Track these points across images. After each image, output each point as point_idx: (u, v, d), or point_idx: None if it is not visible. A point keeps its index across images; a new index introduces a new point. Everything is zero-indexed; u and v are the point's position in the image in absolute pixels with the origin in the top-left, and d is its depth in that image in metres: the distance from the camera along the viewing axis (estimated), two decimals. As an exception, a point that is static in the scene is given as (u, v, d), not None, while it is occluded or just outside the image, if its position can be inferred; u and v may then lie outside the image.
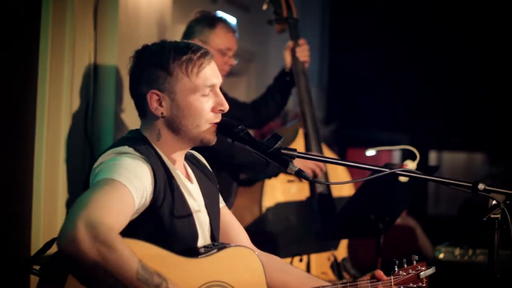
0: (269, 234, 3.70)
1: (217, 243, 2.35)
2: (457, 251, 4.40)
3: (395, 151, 7.07)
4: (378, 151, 3.67)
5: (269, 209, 3.74)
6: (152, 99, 2.27)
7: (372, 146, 3.66)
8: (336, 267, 3.83)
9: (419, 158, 3.41)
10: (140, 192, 2.11)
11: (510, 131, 6.88)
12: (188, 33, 3.69)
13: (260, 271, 2.33)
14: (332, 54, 7.52)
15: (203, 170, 2.50)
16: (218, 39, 3.66)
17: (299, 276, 2.52)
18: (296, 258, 3.71)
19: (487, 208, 2.28)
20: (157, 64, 2.27)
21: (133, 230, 2.07)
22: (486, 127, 7.18)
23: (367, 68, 7.09)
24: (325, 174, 3.82)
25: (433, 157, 8.02)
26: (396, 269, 2.47)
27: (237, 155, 3.46)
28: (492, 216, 2.26)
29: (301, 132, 4.00)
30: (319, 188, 3.88)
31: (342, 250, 4.01)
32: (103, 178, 2.08)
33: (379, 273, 2.45)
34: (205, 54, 2.30)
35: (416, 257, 2.50)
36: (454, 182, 2.30)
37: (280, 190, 3.81)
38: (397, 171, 2.34)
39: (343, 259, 3.88)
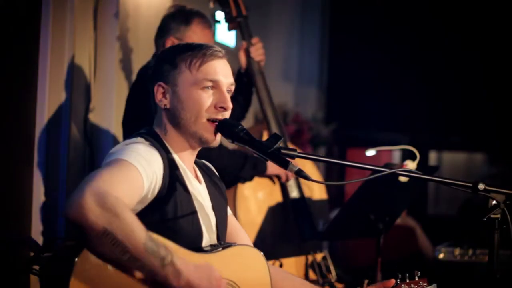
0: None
1: (223, 242, 2.36)
2: (457, 251, 4.39)
3: (395, 151, 7.06)
4: (378, 151, 3.66)
5: (244, 220, 3.72)
6: (158, 91, 2.32)
7: (372, 146, 3.65)
8: (317, 267, 3.81)
9: (419, 158, 3.41)
10: (150, 176, 2.14)
11: (510, 131, 6.87)
12: (162, 30, 3.53)
13: (265, 271, 2.34)
14: (332, 54, 7.50)
15: (213, 178, 2.52)
16: (195, 36, 3.48)
17: (302, 284, 2.55)
18: (276, 263, 3.70)
19: (487, 208, 2.27)
20: (166, 58, 2.34)
21: None
22: (486, 127, 7.17)
23: (367, 68, 7.09)
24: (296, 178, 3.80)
25: (433, 157, 8.01)
26: (398, 282, 2.46)
27: (214, 159, 3.45)
28: (492, 216, 2.26)
29: (265, 134, 3.94)
30: (293, 193, 3.87)
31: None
32: (114, 158, 2.12)
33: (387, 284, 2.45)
34: (212, 52, 2.32)
35: (419, 273, 2.49)
36: (454, 182, 2.30)
37: (252, 199, 3.79)
38: (397, 171, 2.34)
39: (323, 258, 3.87)
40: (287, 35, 6.91)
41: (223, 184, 2.55)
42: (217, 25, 4.05)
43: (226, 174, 3.59)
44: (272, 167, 3.74)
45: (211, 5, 3.96)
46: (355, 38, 7.13)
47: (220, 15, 3.89)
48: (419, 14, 7.11)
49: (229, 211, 2.54)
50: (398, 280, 2.46)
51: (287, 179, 3.84)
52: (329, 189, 4.29)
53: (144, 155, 2.15)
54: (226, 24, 3.94)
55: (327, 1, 7.48)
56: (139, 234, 1.95)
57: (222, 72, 2.33)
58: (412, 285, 2.47)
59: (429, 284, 2.50)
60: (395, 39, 7.06)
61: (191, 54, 2.30)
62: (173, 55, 2.32)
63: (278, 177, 3.84)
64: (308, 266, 3.82)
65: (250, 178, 3.72)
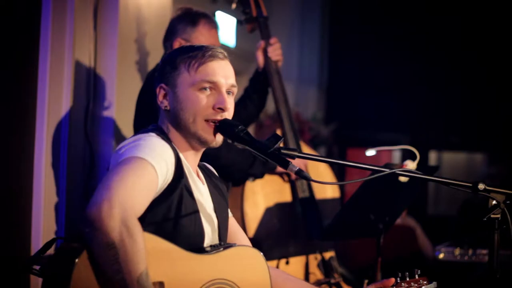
0: (252, 239, 3.67)
1: (224, 243, 2.36)
2: (457, 251, 4.39)
3: (395, 151, 7.07)
4: (378, 151, 3.66)
5: (251, 215, 3.72)
6: (160, 93, 2.35)
7: (372, 146, 3.65)
8: (323, 266, 3.82)
9: (419, 158, 3.41)
10: (163, 172, 2.16)
11: (510, 131, 6.88)
12: (170, 32, 3.56)
13: (265, 272, 2.35)
14: (332, 54, 7.52)
15: (215, 180, 2.53)
16: (202, 37, 3.52)
17: (303, 286, 2.55)
18: (283, 261, 3.70)
19: (487, 208, 2.27)
20: (167, 60, 2.36)
21: (141, 217, 2.09)
22: (486, 127, 7.18)
23: (367, 68, 7.10)
24: None
25: (433, 157, 8.02)
26: (398, 280, 2.47)
27: (223, 156, 3.46)
28: (492, 216, 2.26)
29: (278, 133, 3.93)
30: (302, 191, 3.87)
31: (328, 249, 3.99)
32: (131, 156, 2.12)
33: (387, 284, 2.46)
34: (214, 53, 2.32)
35: (419, 271, 2.50)
36: (454, 182, 2.30)
37: (261, 195, 3.79)
38: (397, 171, 2.34)
39: (330, 258, 3.87)
40: (287, 35, 6.91)
41: (224, 186, 2.56)
42: (239, 26, 4.09)
43: (236, 171, 3.62)
44: None
45: (233, 6, 4.01)
46: (355, 38, 7.14)
47: (221, 16, 3.89)
48: (419, 14, 7.12)
49: (230, 214, 2.55)
50: (398, 279, 2.47)
51: (297, 178, 3.83)
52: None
53: (158, 150, 2.17)
54: (246, 25, 3.97)
55: (327, 1, 7.49)
56: (139, 265, 1.97)
57: (222, 73, 2.33)
58: (412, 284, 2.48)
59: (429, 283, 2.51)
60: (395, 39, 7.07)
61: (190, 55, 2.31)
62: (174, 57, 2.34)
63: (288, 175, 3.84)
64: (316, 265, 3.82)
65: (260, 175, 3.72)
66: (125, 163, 2.10)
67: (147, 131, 2.31)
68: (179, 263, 2.12)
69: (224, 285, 2.23)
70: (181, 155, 2.31)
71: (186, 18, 3.55)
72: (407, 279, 2.48)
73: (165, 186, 2.20)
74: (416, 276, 2.50)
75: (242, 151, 3.59)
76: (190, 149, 2.35)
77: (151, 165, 2.11)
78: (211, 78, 2.30)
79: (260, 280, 2.33)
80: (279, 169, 3.75)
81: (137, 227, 1.98)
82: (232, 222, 2.55)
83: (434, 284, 2.53)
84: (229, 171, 3.60)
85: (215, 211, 2.41)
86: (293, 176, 3.82)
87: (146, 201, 2.08)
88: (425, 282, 2.51)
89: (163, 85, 2.33)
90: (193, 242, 2.24)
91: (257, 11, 3.93)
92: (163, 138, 2.26)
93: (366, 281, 2.69)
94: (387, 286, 2.45)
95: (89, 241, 1.97)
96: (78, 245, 1.99)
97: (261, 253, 2.36)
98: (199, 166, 2.46)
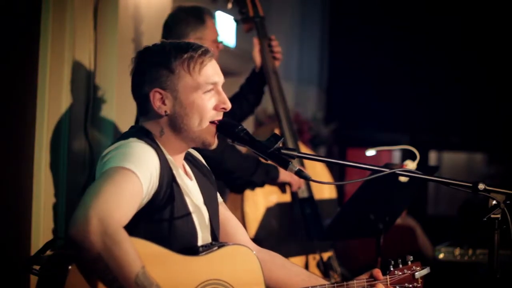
0: (253, 240, 3.69)
1: (216, 242, 2.35)
2: (457, 251, 4.40)
3: (395, 151, 7.08)
4: (378, 151, 3.66)
5: (251, 215, 3.72)
6: (155, 97, 2.27)
7: (372, 146, 3.65)
8: (323, 266, 3.82)
9: (419, 158, 3.41)
10: (147, 179, 2.11)
11: (510, 131, 6.88)
12: (179, 35, 3.52)
13: (258, 270, 2.34)
14: (332, 54, 7.52)
15: (200, 168, 2.50)
16: (210, 32, 3.55)
17: (299, 273, 2.53)
18: None
19: (487, 208, 2.28)
20: (159, 63, 2.28)
21: (135, 224, 2.08)
22: (486, 127, 7.18)
23: (367, 68, 7.10)
24: None
25: (433, 157, 8.02)
26: (392, 268, 2.48)
27: (226, 161, 3.46)
28: (492, 216, 2.26)
29: (276, 132, 3.93)
30: (302, 192, 3.87)
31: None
32: (113, 166, 2.08)
33: (377, 272, 2.46)
34: (206, 52, 2.30)
35: (411, 257, 2.51)
36: (454, 182, 2.30)
37: (261, 195, 3.78)
38: (397, 171, 2.34)
39: (329, 258, 3.87)
40: (287, 35, 6.91)
41: (210, 171, 2.52)
42: (236, 26, 4.08)
43: (238, 177, 3.61)
44: (284, 175, 3.74)
45: (229, 6, 3.99)
46: (355, 38, 7.14)
47: (221, 15, 3.89)
48: (419, 13, 7.12)
49: (219, 199, 2.53)
50: (391, 267, 2.48)
51: (299, 187, 3.84)
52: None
53: (140, 155, 2.13)
54: (243, 25, 3.97)
55: (327, 1, 7.49)
56: (132, 266, 1.94)
57: (217, 72, 2.32)
58: (406, 270, 2.49)
59: (423, 268, 2.53)
60: (395, 39, 7.07)
61: (187, 57, 2.26)
62: (167, 59, 2.27)
63: (290, 185, 3.85)
64: (315, 265, 3.83)
65: (261, 184, 3.71)
66: (106, 174, 2.06)
67: (127, 137, 2.25)
68: (172, 266, 2.12)
69: (218, 285, 2.23)
70: (168, 157, 2.28)
71: (193, 17, 3.55)
72: (400, 266, 2.50)
73: (153, 192, 2.16)
74: (409, 263, 2.51)
75: (245, 158, 3.61)
76: (182, 150, 2.34)
77: (135, 174, 2.06)
78: (213, 79, 2.29)
79: (253, 278, 2.32)
80: (281, 178, 3.76)
81: (120, 232, 1.94)
82: (223, 209, 2.52)
83: (427, 269, 2.53)
84: (231, 177, 3.60)
85: (205, 203, 2.39)
86: (295, 187, 3.82)
87: (128, 210, 2.02)
88: (418, 268, 2.52)
89: (158, 90, 2.25)
90: (187, 242, 2.23)
91: (254, 11, 3.91)
92: (146, 142, 2.21)
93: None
94: (378, 277, 2.45)
95: (78, 259, 1.96)
96: (70, 253, 1.98)
97: (254, 251, 2.35)
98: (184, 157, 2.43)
